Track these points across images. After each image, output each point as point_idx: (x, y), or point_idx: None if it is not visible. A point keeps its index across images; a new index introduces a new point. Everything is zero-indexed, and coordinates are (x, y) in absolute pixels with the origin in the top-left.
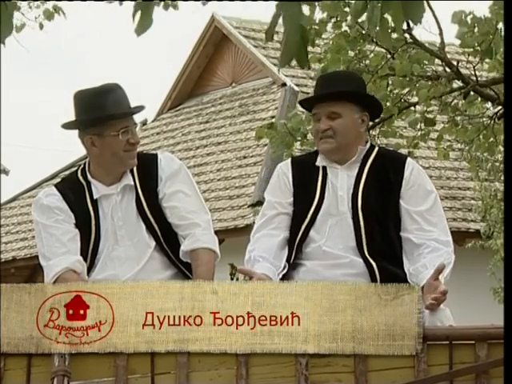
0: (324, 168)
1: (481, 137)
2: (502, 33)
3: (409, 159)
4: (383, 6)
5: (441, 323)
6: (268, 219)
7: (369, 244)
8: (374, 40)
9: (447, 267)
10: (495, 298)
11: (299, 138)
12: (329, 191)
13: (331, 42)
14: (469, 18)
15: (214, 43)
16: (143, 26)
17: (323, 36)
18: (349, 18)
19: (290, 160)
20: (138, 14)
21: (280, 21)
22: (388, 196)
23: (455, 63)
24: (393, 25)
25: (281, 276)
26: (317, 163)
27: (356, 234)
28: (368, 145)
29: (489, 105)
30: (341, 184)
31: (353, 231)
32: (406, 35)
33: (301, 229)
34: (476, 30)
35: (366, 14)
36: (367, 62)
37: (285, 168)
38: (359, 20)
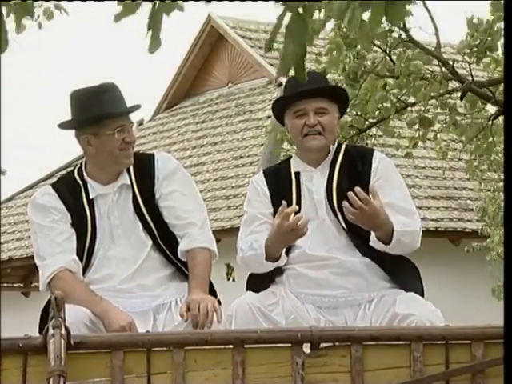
0: (297, 174)
1: (480, 136)
2: (501, 31)
3: (376, 152)
4: (363, 5)
5: (430, 323)
6: (254, 230)
7: (355, 242)
8: (373, 41)
9: (404, 235)
10: (496, 297)
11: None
12: (305, 197)
13: (328, 43)
14: (475, 20)
15: (211, 43)
16: (155, 45)
17: (320, 35)
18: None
19: (261, 173)
20: (150, 31)
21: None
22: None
23: (451, 63)
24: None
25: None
26: (293, 169)
27: (339, 234)
28: (336, 144)
29: (488, 106)
30: (316, 188)
31: (336, 232)
32: (402, 34)
33: None
34: (476, 33)
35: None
36: (365, 62)
37: (259, 181)
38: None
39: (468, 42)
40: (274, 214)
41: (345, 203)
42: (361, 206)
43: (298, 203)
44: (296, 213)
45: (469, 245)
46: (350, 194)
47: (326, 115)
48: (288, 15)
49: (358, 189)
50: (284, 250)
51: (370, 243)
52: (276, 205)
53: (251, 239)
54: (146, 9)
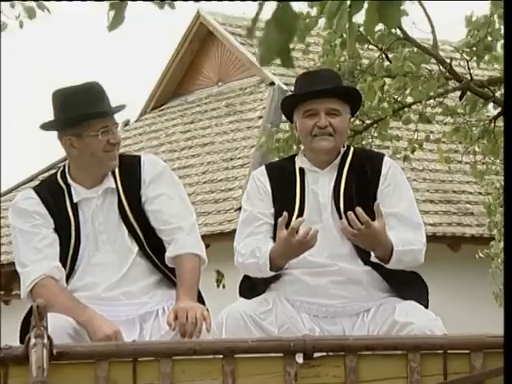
0: (302, 173)
1: (485, 140)
2: (501, 30)
3: (386, 157)
4: (353, 6)
5: (431, 332)
6: (254, 231)
7: (359, 250)
8: (369, 39)
9: (405, 254)
10: (498, 303)
11: (295, 145)
12: (309, 198)
13: (323, 44)
14: (474, 17)
15: (200, 40)
16: (115, 24)
17: (314, 33)
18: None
19: (264, 167)
20: (112, 12)
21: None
22: (368, 195)
23: (448, 61)
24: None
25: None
26: (297, 167)
27: (343, 240)
28: (345, 146)
29: (490, 107)
30: (322, 190)
31: (339, 238)
32: (398, 32)
33: None
34: (475, 31)
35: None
36: (361, 62)
37: (261, 176)
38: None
39: (467, 41)
40: (275, 214)
41: (343, 222)
42: (360, 229)
43: (302, 205)
44: (299, 215)
45: (475, 251)
46: (350, 214)
47: (337, 117)
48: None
49: (359, 210)
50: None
51: (371, 259)
52: (278, 205)
53: (253, 245)
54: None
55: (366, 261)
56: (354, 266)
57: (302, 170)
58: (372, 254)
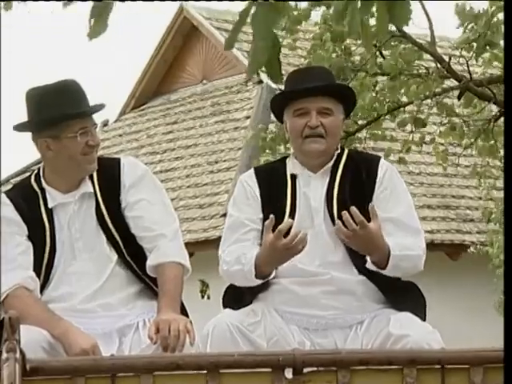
0: (293, 177)
1: (481, 139)
2: (500, 27)
3: (382, 160)
4: (363, 7)
5: (428, 346)
6: (240, 238)
7: (353, 258)
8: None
9: (403, 259)
10: (499, 312)
11: (282, 144)
12: (300, 202)
13: (313, 38)
14: (468, 7)
15: (183, 35)
16: (96, 31)
17: (305, 28)
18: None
19: (252, 171)
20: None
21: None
22: (363, 200)
23: (447, 59)
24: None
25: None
26: (287, 171)
27: (336, 247)
28: (339, 148)
29: (488, 105)
30: (314, 194)
31: (332, 244)
32: (393, 28)
33: None
34: (473, 25)
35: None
36: (353, 58)
37: (249, 180)
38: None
39: (466, 37)
40: (264, 219)
41: (338, 223)
42: (355, 230)
43: (293, 209)
44: (291, 216)
45: (475, 260)
46: (345, 214)
47: (330, 116)
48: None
49: (353, 209)
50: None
51: (367, 265)
52: (267, 209)
53: (238, 251)
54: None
55: (361, 269)
56: (348, 275)
57: (293, 174)
58: (368, 259)
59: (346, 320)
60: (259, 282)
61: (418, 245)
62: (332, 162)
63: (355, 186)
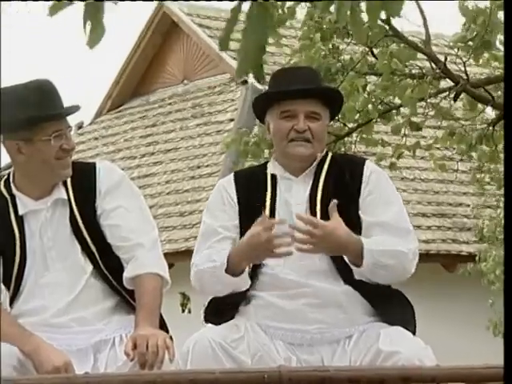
0: (274, 180)
1: (483, 145)
2: (497, 25)
3: (368, 162)
4: None
5: (420, 363)
6: (212, 246)
7: (338, 267)
8: (350, 33)
9: (382, 255)
10: (494, 332)
11: (266, 149)
12: (281, 208)
13: (301, 38)
14: (470, 6)
15: (162, 32)
16: (95, 39)
17: (292, 26)
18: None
19: (232, 176)
20: (88, 25)
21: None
22: (348, 205)
23: (443, 59)
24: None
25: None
26: (268, 173)
27: (320, 256)
28: (323, 152)
29: (488, 109)
30: (295, 199)
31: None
32: (386, 26)
33: None
34: (472, 24)
35: (333, 5)
36: (342, 57)
37: (227, 184)
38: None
39: (463, 35)
40: (241, 226)
41: (297, 235)
42: (309, 231)
43: (273, 214)
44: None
45: (463, 268)
46: (298, 220)
47: (317, 121)
48: (247, 4)
49: (298, 214)
50: (248, 269)
51: (355, 276)
52: (244, 215)
53: (210, 252)
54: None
55: (346, 278)
56: (332, 286)
57: (273, 177)
58: (353, 267)
59: (333, 334)
60: (228, 281)
61: (402, 243)
62: (315, 165)
63: (340, 190)
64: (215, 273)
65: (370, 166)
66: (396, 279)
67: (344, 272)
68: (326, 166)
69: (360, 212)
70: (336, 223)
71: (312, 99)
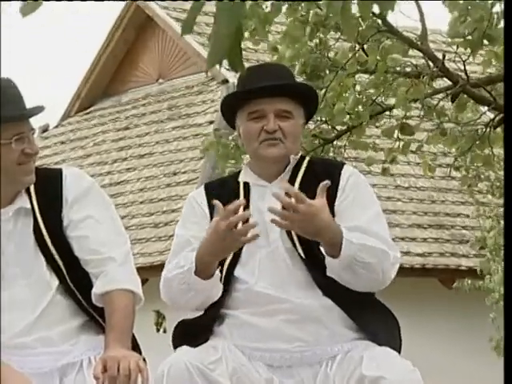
0: (246, 188)
1: (475, 146)
2: (497, 20)
3: (346, 166)
4: None
5: None
6: (181, 260)
7: (316, 278)
8: (339, 27)
9: (362, 250)
10: (496, 352)
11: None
12: (254, 217)
13: (285, 33)
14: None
15: (136, 27)
16: (32, 6)
17: (277, 19)
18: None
19: (203, 187)
20: None
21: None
22: None
23: (441, 56)
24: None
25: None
26: (240, 181)
27: (295, 267)
28: (298, 155)
29: (484, 109)
30: (269, 207)
31: (290, 264)
32: (379, 21)
33: (223, 268)
34: (468, 17)
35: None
36: (330, 54)
37: (197, 196)
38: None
39: (457, 30)
40: None
41: (271, 207)
42: (293, 205)
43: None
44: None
45: (462, 283)
46: (276, 193)
47: (289, 120)
48: None
49: (285, 185)
50: (219, 274)
51: (327, 272)
52: None
53: (178, 259)
54: None
55: (325, 289)
56: (310, 299)
57: (246, 185)
58: (327, 259)
59: (315, 353)
60: (199, 286)
61: (383, 245)
62: (289, 170)
63: (315, 195)
64: (184, 278)
65: (347, 171)
66: (372, 284)
67: (322, 283)
68: (301, 172)
69: (335, 218)
70: (322, 205)
71: (282, 97)
